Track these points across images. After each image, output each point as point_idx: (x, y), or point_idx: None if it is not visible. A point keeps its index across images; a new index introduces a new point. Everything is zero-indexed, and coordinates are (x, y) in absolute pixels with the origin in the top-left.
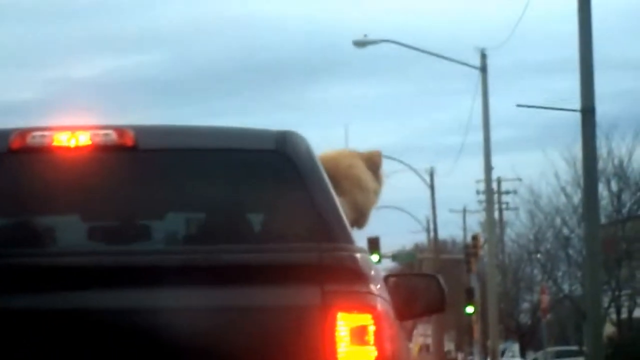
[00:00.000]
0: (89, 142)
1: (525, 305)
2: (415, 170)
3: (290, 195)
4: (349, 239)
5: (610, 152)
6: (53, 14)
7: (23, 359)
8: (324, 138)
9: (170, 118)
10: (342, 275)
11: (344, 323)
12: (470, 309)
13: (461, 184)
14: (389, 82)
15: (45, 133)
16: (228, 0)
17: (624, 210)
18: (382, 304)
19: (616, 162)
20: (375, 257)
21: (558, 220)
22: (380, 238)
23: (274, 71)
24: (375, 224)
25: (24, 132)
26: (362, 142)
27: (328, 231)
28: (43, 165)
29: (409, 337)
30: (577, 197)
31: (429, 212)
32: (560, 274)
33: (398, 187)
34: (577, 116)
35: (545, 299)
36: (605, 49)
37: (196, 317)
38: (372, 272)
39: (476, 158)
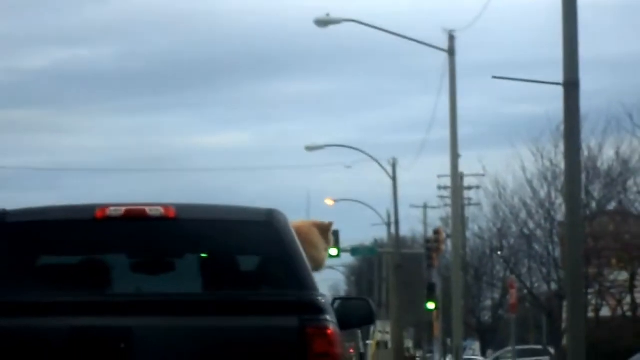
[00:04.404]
0: (147, 214)
1: (487, 303)
2: (377, 161)
3: (275, 254)
4: (314, 286)
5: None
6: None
7: None
8: (284, 132)
9: (123, 109)
10: (311, 309)
11: (312, 337)
12: (431, 305)
13: (421, 181)
14: (350, 76)
15: (119, 208)
16: None
17: (593, 205)
18: (333, 326)
19: (586, 154)
20: (334, 251)
21: (523, 214)
22: (339, 232)
23: (232, 65)
24: (334, 217)
25: (104, 207)
26: (322, 136)
27: (300, 280)
28: (117, 229)
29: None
30: (543, 192)
31: (390, 207)
32: (524, 270)
33: (358, 180)
34: (546, 112)
35: (514, 294)
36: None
37: (223, 335)
38: (328, 307)
39: (437, 155)
